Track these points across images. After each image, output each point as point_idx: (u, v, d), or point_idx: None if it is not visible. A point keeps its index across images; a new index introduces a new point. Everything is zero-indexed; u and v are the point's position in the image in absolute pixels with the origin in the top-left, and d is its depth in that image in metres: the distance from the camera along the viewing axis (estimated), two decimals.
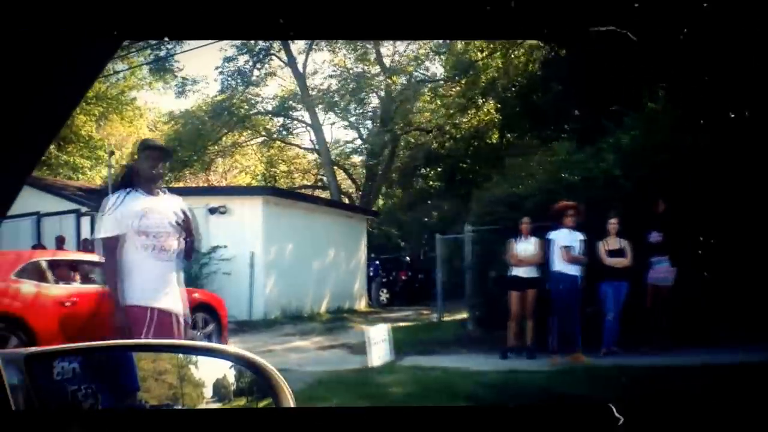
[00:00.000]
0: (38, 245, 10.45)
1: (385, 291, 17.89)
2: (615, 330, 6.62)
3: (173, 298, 2.90)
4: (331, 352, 7.72)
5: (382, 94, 17.86)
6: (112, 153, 13.90)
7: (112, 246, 2.87)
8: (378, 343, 5.29)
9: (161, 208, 2.96)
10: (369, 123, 17.95)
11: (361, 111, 17.91)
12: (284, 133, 19.55)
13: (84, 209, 12.45)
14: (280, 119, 19.00)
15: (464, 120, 18.34)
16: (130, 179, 2.98)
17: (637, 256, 6.82)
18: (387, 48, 18.40)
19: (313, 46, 17.55)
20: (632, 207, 7.13)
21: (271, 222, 11.82)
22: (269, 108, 18.56)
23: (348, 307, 14.38)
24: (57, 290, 5.70)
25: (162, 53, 16.44)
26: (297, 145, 20.69)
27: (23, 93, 0.91)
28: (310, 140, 19.49)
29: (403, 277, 18.61)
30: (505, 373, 5.58)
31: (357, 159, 19.95)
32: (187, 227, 2.95)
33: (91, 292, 5.97)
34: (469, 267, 7.72)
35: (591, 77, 9.39)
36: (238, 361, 1.45)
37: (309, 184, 20.27)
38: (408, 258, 19.73)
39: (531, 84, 14.86)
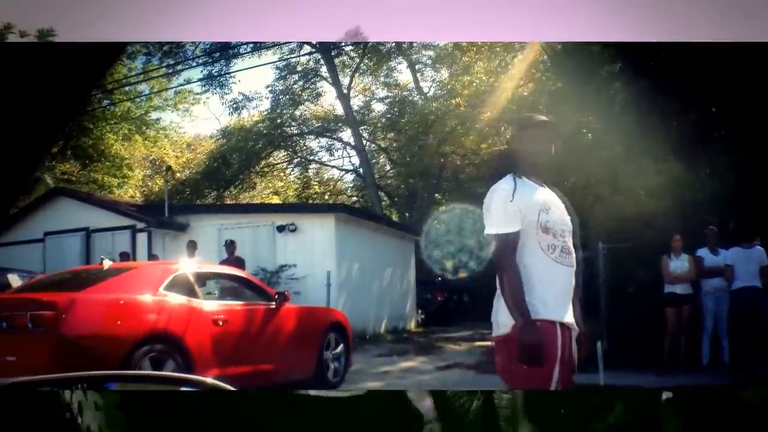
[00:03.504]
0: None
1: (420, 312, 17.45)
2: None
3: (571, 311, 2.34)
4: (454, 372, 7.19)
5: (420, 118, 17.53)
6: (169, 168, 13.30)
7: (514, 244, 2.25)
8: (600, 360, 4.81)
9: (557, 201, 2.39)
10: (412, 146, 17.51)
11: (404, 135, 17.48)
12: (325, 153, 19.13)
13: (139, 225, 11.81)
14: (323, 140, 18.58)
15: (484, 146, 18.25)
16: (511, 164, 2.37)
17: None
18: (423, 74, 18.23)
19: (358, 70, 17.24)
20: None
21: (342, 241, 11.29)
22: (312, 129, 18.12)
23: (401, 328, 13.85)
24: (208, 307, 5.11)
25: (215, 70, 15.95)
26: (336, 167, 20.27)
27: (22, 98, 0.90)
28: (350, 162, 19.09)
29: (439, 298, 18.20)
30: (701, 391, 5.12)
31: (399, 181, 19.51)
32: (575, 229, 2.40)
33: (239, 309, 5.43)
34: (604, 284, 7.33)
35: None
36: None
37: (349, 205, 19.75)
38: (439, 279, 19.38)
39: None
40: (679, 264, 6.56)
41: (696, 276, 6.57)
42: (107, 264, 5.32)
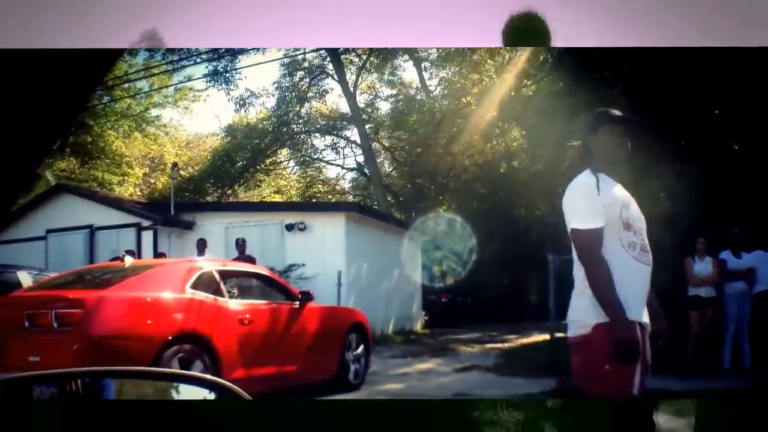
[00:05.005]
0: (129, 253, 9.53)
1: (424, 313, 17.37)
2: None
3: (646, 311, 2.30)
4: (473, 374, 7.12)
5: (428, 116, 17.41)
6: (175, 165, 13.14)
7: (600, 240, 2.19)
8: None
9: (633, 199, 2.34)
10: (420, 145, 17.37)
11: (412, 133, 17.38)
12: (330, 152, 19.05)
13: (145, 223, 11.65)
14: (329, 138, 18.45)
15: (489, 146, 18.19)
16: (586, 160, 2.31)
17: None
18: (430, 72, 18.25)
19: (364, 68, 17.18)
20: None
21: (352, 240, 11.18)
22: (318, 127, 18.01)
23: (408, 329, 13.77)
24: (234, 306, 5.00)
25: (221, 66, 15.79)
26: (341, 166, 20.16)
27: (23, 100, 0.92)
28: (356, 161, 19.00)
29: (444, 300, 18.11)
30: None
31: (405, 181, 19.37)
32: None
33: (264, 309, 5.32)
34: None
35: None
36: (215, 388, 1.46)
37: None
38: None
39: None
40: (702, 267, 6.52)
41: (719, 279, 6.53)
42: (129, 261, 5.20)
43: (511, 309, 18.76)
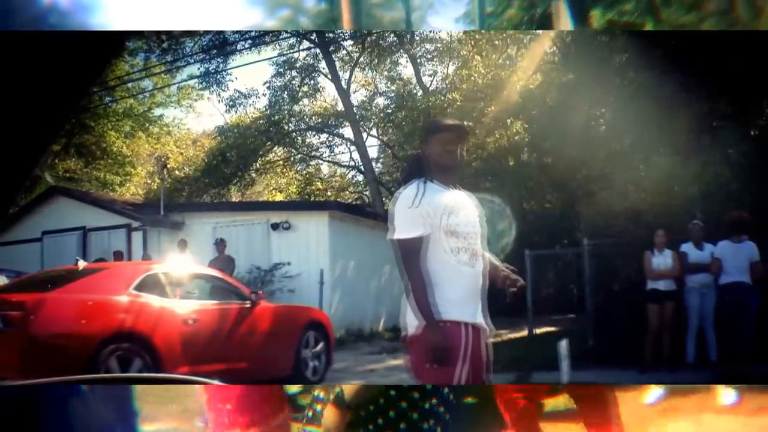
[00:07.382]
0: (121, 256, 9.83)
1: None
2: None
3: (482, 312, 2.36)
4: None
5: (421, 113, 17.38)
6: (164, 165, 13.37)
7: (417, 248, 2.29)
8: (564, 359, 4.76)
9: (466, 204, 2.41)
10: (412, 141, 17.37)
11: (401, 130, 17.39)
12: (325, 150, 19.15)
13: (135, 224, 11.89)
14: (323, 136, 18.53)
15: (490, 140, 18.07)
16: (421, 168, 2.40)
17: None
18: (426, 67, 18.20)
19: (357, 64, 17.19)
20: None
21: (336, 238, 11.27)
22: (312, 125, 18.11)
23: (402, 325, 13.81)
24: (179, 306, 5.14)
25: (212, 66, 15.97)
26: (337, 163, 20.22)
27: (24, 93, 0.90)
28: (351, 158, 19.06)
29: None
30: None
31: (398, 176, 19.43)
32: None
33: (212, 309, 5.44)
34: (589, 281, 7.25)
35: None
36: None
37: (344, 202, 19.68)
38: None
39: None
40: (662, 260, 6.41)
41: (680, 272, 6.41)
42: (82, 264, 5.37)
43: (515, 304, 18.64)
